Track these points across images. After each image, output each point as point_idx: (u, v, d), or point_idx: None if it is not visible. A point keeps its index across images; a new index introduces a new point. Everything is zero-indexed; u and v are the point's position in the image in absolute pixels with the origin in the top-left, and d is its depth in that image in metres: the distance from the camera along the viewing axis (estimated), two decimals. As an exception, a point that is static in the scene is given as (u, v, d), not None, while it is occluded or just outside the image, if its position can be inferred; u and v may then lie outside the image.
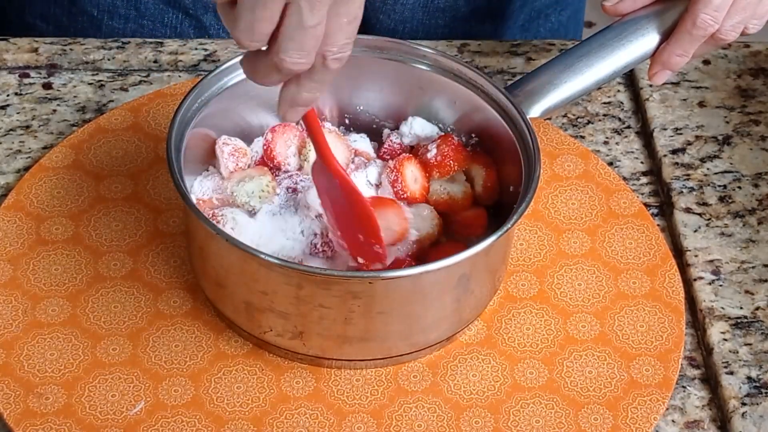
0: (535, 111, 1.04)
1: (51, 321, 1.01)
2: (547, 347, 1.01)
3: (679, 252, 1.09)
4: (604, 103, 1.20)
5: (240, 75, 1.03)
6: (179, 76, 1.19)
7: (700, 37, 1.04)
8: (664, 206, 1.13)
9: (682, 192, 1.12)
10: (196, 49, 1.21)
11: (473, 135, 1.07)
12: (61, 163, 1.10)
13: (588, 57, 1.06)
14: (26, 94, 1.16)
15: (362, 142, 1.07)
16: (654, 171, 1.15)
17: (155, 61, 1.20)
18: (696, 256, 1.08)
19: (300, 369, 0.99)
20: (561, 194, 1.11)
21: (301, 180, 1.03)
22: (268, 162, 1.04)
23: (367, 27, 1.25)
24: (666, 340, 1.02)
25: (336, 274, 0.95)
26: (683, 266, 1.08)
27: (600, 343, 1.02)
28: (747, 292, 1.06)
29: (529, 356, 1.01)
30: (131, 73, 1.19)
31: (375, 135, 1.09)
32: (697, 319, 1.05)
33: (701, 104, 1.20)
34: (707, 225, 1.10)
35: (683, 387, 1.01)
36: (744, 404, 0.99)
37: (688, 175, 1.14)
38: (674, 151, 1.16)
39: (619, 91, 1.21)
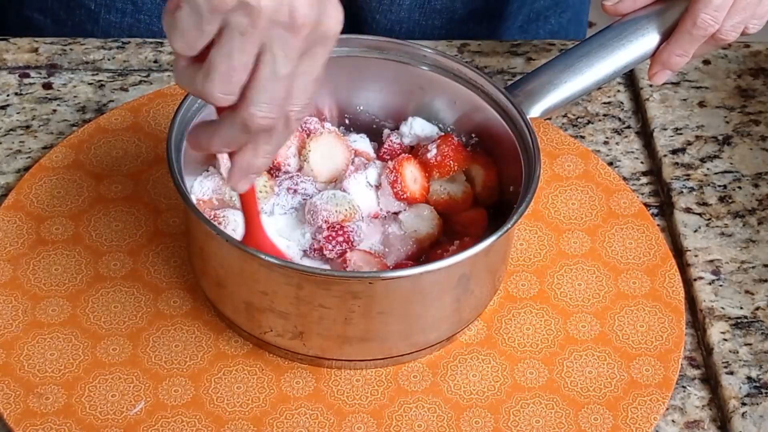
0: (535, 111, 1.04)
1: (51, 321, 1.01)
2: (547, 347, 1.01)
3: (679, 252, 1.09)
4: (604, 103, 1.20)
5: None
6: (179, 76, 1.19)
7: (701, 37, 1.04)
8: (664, 206, 1.13)
9: (682, 192, 1.12)
10: (196, 49, 1.21)
11: (473, 135, 1.07)
12: (61, 163, 1.10)
13: (588, 57, 1.06)
14: (26, 94, 1.16)
15: (362, 143, 1.07)
16: (654, 171, 1.15)
17: (155, 61, 1.20)
18: (696, 256, 1.08)
19: (300, 369, 0.99)
20: (561, 194, 1.11)
21: (301, 181, 1.03)
22: None
23: (362, 27, 1.25)
24: (666, 340, 1.02)
25: (336, 274, 0.95)
26: (683, 266, 1.08)
27: (600, 343, 1.02)
28: (747, 292, 1.06)
29: (529, 356, 1.01)
30: (131, 73, 1.19)
31: (375, 135, 1.09)
32: (697, 319, 1.05)
33: (701, 104, 1.20)
34: (707, 225, 1.10)
35: (683, 387, 1.01)
36: (744, 404, 0.99)
37: (688, 175, 1.14)
38: (674, 151, 1.16)
39: (619, 91, 1.21)
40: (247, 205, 0.95)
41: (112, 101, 1.16)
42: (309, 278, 0.93)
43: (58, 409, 0.96)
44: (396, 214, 1.04)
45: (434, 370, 1.00)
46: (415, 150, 1.07)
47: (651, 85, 1.20)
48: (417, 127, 1.07)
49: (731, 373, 1.00)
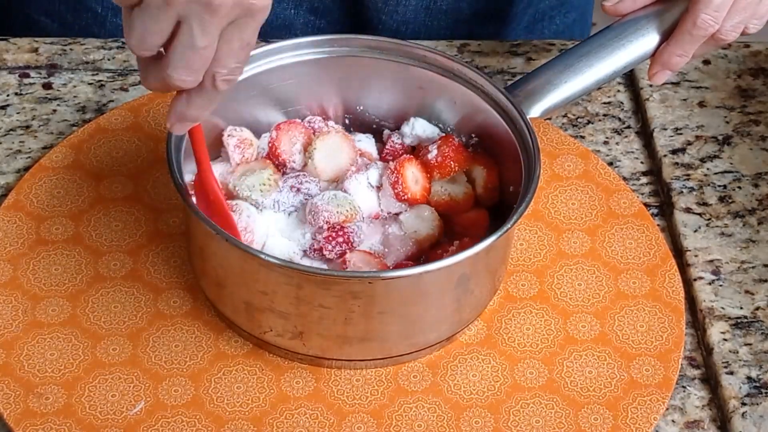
0: (535, 111, 1.04)
1: (51, 321, 1.01)
2: (547, 347, 1.01)
3: (679, 252, 1.09)
4: (604, 103, 1.20)
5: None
6: (179, 76, 1.19)
7: (701, 37, 1.04)
8: (664, 206, 1.13)
9: (682, 192, 1.12)
10: (196, 49, 1.21)
11: (473, 135, 1.06)
12: (61, 163, 1.10)
13: (588, 57, 1.06)
14: (26, 94, 1.16)
15: (366, 142, 1.07)
16: (654, 171, 1.15)
17: (155, 61, 1.20)
18: (696, 256, 1.08)
19: (300, 369, 0.99)
20: (561, 194, 1.11)
21: (305, 180, 1.03)
22: (273, 159, 1.04)
23: (369, 28, 1.25)
24: (666, 340, 1.02)
25: (336, 274, 0.95)
26: (683, 266, 1.08)
27: (600, 343, 1.02)
28: (747, 292, 1.06)
29: (529, 356, 1.01)
30: (131, 73, 1.19)
31: (375, 135, 1.09)
32: (697, 319, 1.05)
33: (701, 104, 1.20)
34: (707, 225, 1.10)
35: (683, 387, 1.01)
36: (744, 404, 0.99)
37: (688, 175, 1.14)
38: (674, 151, 1.16)
39: (619, 91, 1.21)
40: (195, 145, 0.97)
41: (112, 101, 1.16)
42: (309, 278, 0.93)
43: (58, 409, 0.96)
44: (397, 214, 1.03)
45: (434, 370, 1.00)
46: (416, 151, 1.07)
47: (651, 85, 1.20)
48: (418, 128, 1.07)
49: (731, 373, 1.00)
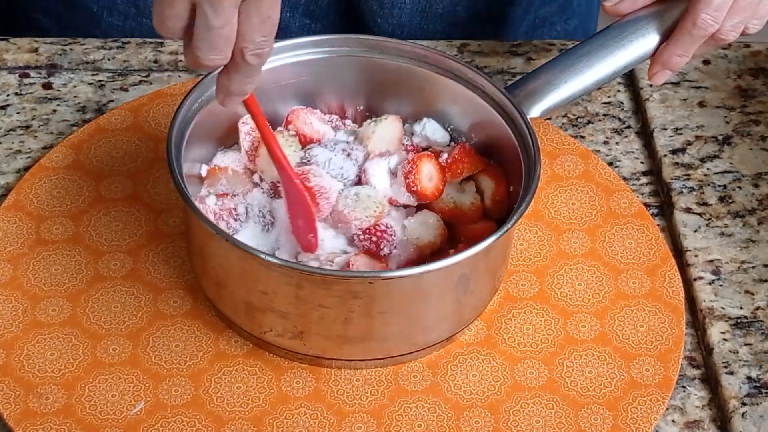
0: (535, 111, 1.04)
1: (51, 321, 1.01)
2: (547, 347, 1.01)
3: (679, 252, 1.09)
4: (604, 103, 1.20)
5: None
6: (179, 76, 1.19)
7: (701, 37, 1.04)
8: (664, 206, 1.13)
9: (682, 192, 1.12)
10: (196, 49, 1.21)
11: (473, 135, 1.06)
12: (61, 163, 1.10)
13: (588, 57, 1.06)
14: (26, 94, 1.16)
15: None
16: (654, 171, 1.15)
17: (155, 61, 1.20)
18: (696, 256, 1.08)
19: (300, 369, 0.99)
20: (561, 194, 1.11)
21: (356, 147, 1.03)
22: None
23: (364, 31, 1.25)
24: (666, 340, 1.02)
25: (336, 274, 0.95)
26: (683, 266, 1.08)
27: (600, 343, 1.02)
28: (747, 292, 1.06)
29: (529, 356, 1.01)
30: (131, 73, 1.19)
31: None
32: (697, 319, 1.05)
33: (701, 104, 1.20)
34: (707, 225, 1.10)
35: (683, 387, 1.01)
36: (744, 404, 0.99)
37: (688, 175, 1.14)
38: (674, 151, 1.16)
39: (619, 91, 1.21)
40: (254, 117, 0.97)
41: (112, 101, 1.16)
42: (309, 278, 0.93)
43: (58, 409, 0.96)
44: (405, 206, 1.03)
45: (434, 370, 1.00)
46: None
47: (651, 85, 1.20)
48: (429, 130, 1.06)
49: (731, 373, 1.00)
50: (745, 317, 1.04)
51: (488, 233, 0.95)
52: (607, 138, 1.17)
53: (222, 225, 0.99)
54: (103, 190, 1.09)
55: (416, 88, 1.07)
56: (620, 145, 1.17)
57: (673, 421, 0.99)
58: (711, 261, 1.08)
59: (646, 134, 1.18)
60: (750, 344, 1.02)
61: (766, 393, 1.00)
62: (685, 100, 1.20)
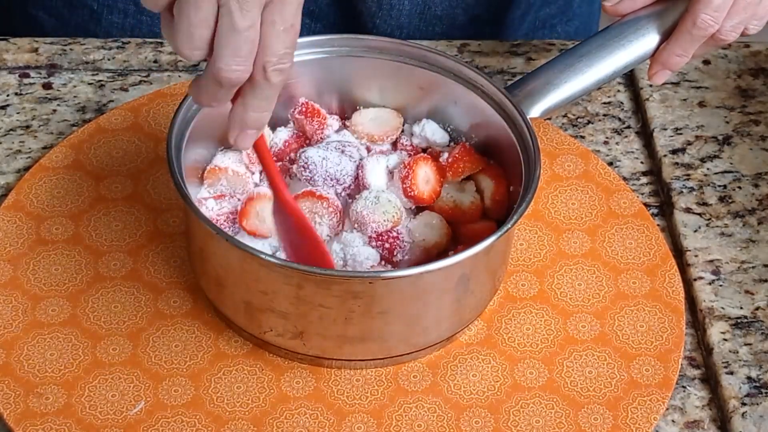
0: (535, 111, 1.04)
1: (51, 321, 1.01)
2: (547, 347, 1.01)
3: (679, 252, 1.09)
4: (604, 103, 1.20)
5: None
6: (179, 76, 1.19)
7: (701, 37, 1.04)
8: (664, 206, 1.13)
9: (682, 192, 1.12)
10: (196, 49, 1.21)
11: (473, 135, 1.06)
12: (61, 163, 1.10)
13: (588, 57, 1.06)
14: (26, 94, 1.16)
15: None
16: (654, 171, 1.15)
17: (155, 61, 1.20)
18: (696, 256, 1.08)
19: (300, 369, 0.99)
20: (561, 194, 1.11)
21: (348, 144, 1.03)
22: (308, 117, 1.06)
23: (363, 32, 1.25)
24: (666, 340, 1.02)
25: (336, 274, 0.95)
26: (683, 266, 1.08)
27: (600, 343, 1.02)
28: (747, 292, 1.06)
29: (529, 356, 1.01)
30: (131, 73, 1.19)
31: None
32: (697, 319, 1.05)
33: (701, 104, 1.20)
34: (707, 225, 1.10)
35: (683, 387, 1.01)
36: (744, 404, 0.99)
37: (688, 175, 1.14)
38: (674, 151, 1.16)
39: (619, 91, 1.21)
40: (262, 161, 0.95)
41: (112, 101, 1.16)
42: (309, 278, 0.93)
43: (58, 409, 0.96)
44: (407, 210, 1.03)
45: (434, 370, 1.00)
46: (428, 154, 1.06)
47: (651, 85, 1.20)
48: (428, 130, 1.06)
49: (731, 373, 1.00)
50: (745, 317, 1.04)
51: (488, 233, 0.95)
52: (607, 138, 1.17)
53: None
54: (103, 190, 1.09)
55: (416, 88, 1.07)
56: (620, 145, 1.17)
57: (673, 421, 0.99)
58: (711, 261, 1.08)
59: (646, 134, 1.18)
60: (750, 344, 1.02)
61: (766, 393, 1.00)
62: (685, 100, 1.20)
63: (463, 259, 0.93)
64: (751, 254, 1.08)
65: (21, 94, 1.16)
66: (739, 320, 1.04)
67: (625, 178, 1.14)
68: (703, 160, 1.15)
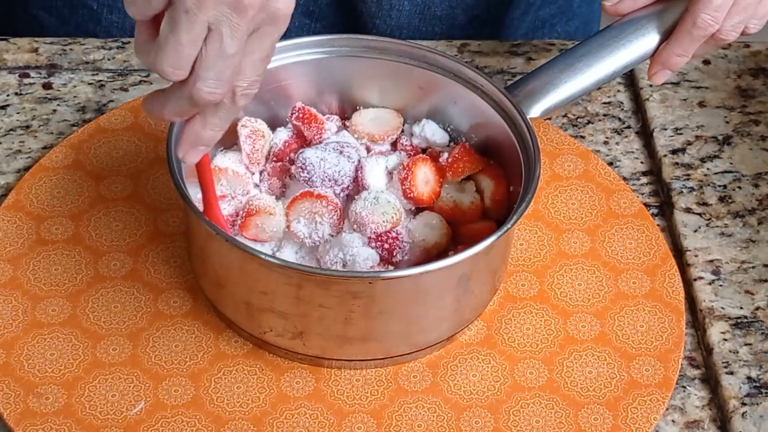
0: (535, 111, 1.04)
1: (51, 321, 1.01)
2: (547, 347, 1.01)
3: (679, 252, 1.09)
4: (604, 103, 1.20)
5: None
6: (179, 76, 1.19)
7: (701, 37, 1.04)
8: (664, 206, 1.13)
9: (682, 192, 1.12)
10: (196, 49, 1.21)
11: (473, 135, 1.06)
12: (61, 163, 1.10)
13: (588, 57, 1.06)
14: (26, 94, 1.16)
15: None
16: (654, 171, 1.15)
17: (155, 61, 1.20)
18: (696, 256, 1.08)
19: (300, 369, 0.99)
20: (561, 194, 1.11)
21: (347, 144, 1.03)
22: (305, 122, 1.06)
23: (362, 32, 1.25)
24: (666, 340, 1.02)
25: (336, 274, 0.95)
26: (683, 266, 1.08)
27: (600, 343, 1.02)
28: (747, 292, 1.06)
29: (529, 356, 1.01)
30: (131, 73, 1.19)
31: (375, 135, 1.09)
32: (697, 319, 1.05)
33: (701, 104, 1.20)
34: (707, 225, 1.10)
35: (683, 387, 1.01)
36: (744, 404, 0.99)
37: (688, 175, 1.14)
38: (674, 151, 1.16)
39: (619, 91, 1.21)
40: (202, 178, 0.97)
41: (112, 101, 1.16)
42: (309, 278, 0.93)
43: (58, 409, 0.96)
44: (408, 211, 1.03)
45: (434, 370, 1.00)
46: (428, 154, 1.06)
47: (651, 85, 1.20)
48: (428, 131, 1.06)
49: (731, 373, 1.00)
50: (745, 317, 1.04)
51: (488, 233, 0.95)
52: (607, 138, 1.17)
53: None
54: (103, 190, 1.09)
55: (416, 88, 1.07)
56: (620, 145, 1.17)
57: (673, 421, 0.99)
58: (711, 261, 1.08)
59: (646, 134, 1.18)
60: (750, 344, 1.02)
61: (766, 393, 1.00)
62: (685, 100, 1.20)
63: (463, 259, 0.93)
64: (751, 254, 1.08)
65: (21, 94, 1.16)
66: (739, 320, 1.04)
67: (625, 178, 1.14)
68: (703, 160, 1.15)
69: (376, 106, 1.08)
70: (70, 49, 1.20)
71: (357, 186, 1.02)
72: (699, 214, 1.11)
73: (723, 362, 1.01)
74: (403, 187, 1.02)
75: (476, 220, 1.03)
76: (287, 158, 1.05)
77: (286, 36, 1.04)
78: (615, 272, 1.06)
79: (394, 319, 0.96)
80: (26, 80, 1.17)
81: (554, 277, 1.06)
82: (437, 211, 1.02)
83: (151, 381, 0.98)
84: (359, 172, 1.02)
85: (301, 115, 1.05)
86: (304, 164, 1.01)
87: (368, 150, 1.06)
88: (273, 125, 1.06)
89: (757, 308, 1.05)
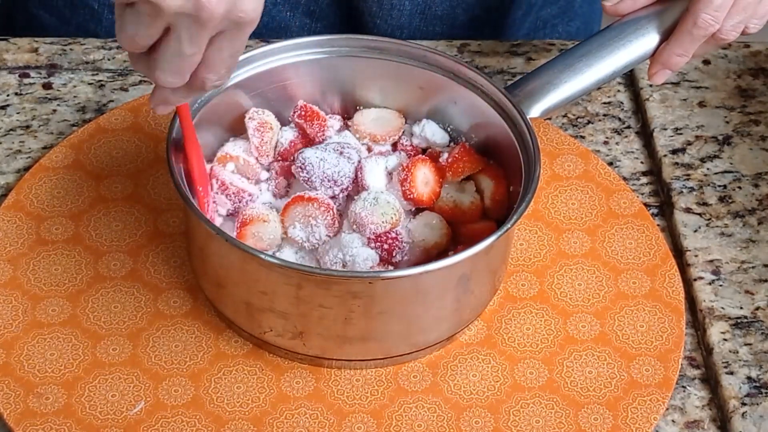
0: (535, 111, 1.04)
1: (51, 321, 1.01)
2: (547, 347, 1.01)
3: (679, 252, 1.09)
4: (604, 103, 1.20)
5: (240, 74, 1.03)
6: (179, 76, 1.19)
7: (701, 36, 1.04)
8: (664, 206, 1.13)
9: (682, 192, 1.12)
10: (196, 49, 1.21)
11: (473, 135, 1.06)
12: (61, 163, 1.10)
13: (588, 57, 1.06)
14: (26, 94, 1.16)
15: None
16: (654, 171, 1.15)
17: (155, 61, 1.20)
18: (696, 256, 1.08)
19: (300, 369, 0.99)
20: (561, 194, 1.11)
21: (347, 145, 1.04)
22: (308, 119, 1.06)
23: (364, 32, 1.25)
24: (666, 340, 1.02)
25: (336, 274, 0.95)
26: (683, 266, 1.08)
27: (600, 343, 1.02)
28: (747, 292, 1.06)
29: (529, 356, 1.01)
30: (131, 73, 1.19)
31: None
32: (697, 319, 1.05)
33: (701, 104, 1.20)
34: (707, 225, 1.10)
35: (683, 387, 1.01)
36: (744, 404, 0.99)
37: (688, 175, 1.14)
38: (674, 151, 1.16)
39: (619, 91, 1.21)
40: (183, 124, 0.99)
41: (112, 101, 1.16)
42: (309, 278, 0.93)
43: (58, 409, 0.96)
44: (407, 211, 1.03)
45: (434, 370, 1.00)
46: (428, 154, 1.06)
47: (651, 85, 1.20)
48: (428, 131, 1.06)
49: (731, 373, 1.00)
50: (745, 317, 1.04)
51: (488, 233, 0.95)
52: (607, 138, 1.17)
53: (228, 199, 1.01)
54: (103, 190, 1.09)
55: (416, 88, 1.07)
56: (620, 145, 1.17)
57: (673, 421, 0.99)
58: (711, 261, 1.08)
59: (646, 134, 1.18)
60: (750, 344, 1.02)
61: (766, 393, 1.00)
62: (685, 100, 1.20)
63: (462, 259, 0.93)
64: (751, 254, 1.08)
65: (21, 94, 1.16)
66: (739, 320, 1.04)
67: (625, 178, 1.14)
68: (703, 160, 1.15)
69: (377, 106, 1.08)
70: (70, 49, 1.20)
71: (357, 186, 1.02)
72: (699, 214, 1.11)
73: (723, 362, 1.01)
74: (403, 188, 1.02)
75: (476, 220, 1.03)
76: (291, 158, 1.05)
77: (286, 36, 1.05)
78: (615, 272, 1.06)
79: (394, 319, 0.96)
80: (26, 80, 1.17)
81: (554, 277, 1.06)
82: (437, 212, 1.02)
83: (151, 381, 0.98)
84: (359, 172, 1.02)
85: (303, 113, 1.05)
86: (303, 164, 1.01)
87: (369, 150, 1.06)
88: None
89: (757, 308, 1.05)
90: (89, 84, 1.18)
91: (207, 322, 1.01)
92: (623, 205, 1.11)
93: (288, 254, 1.00)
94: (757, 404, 0.99)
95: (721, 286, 1.06)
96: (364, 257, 0.98)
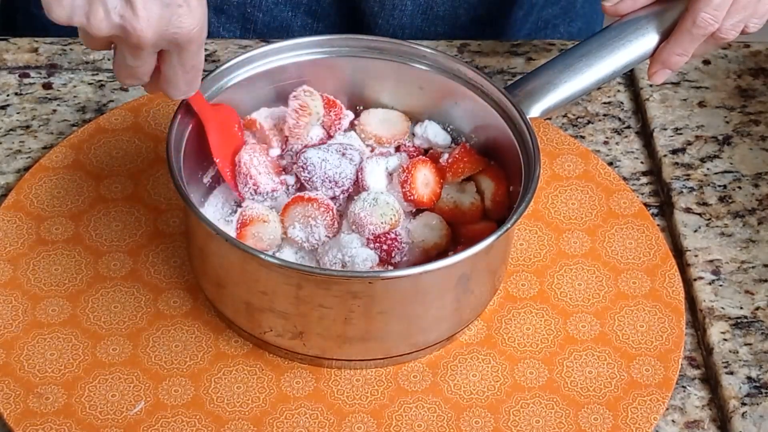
0: (535, 111, 1.04)
1: (51, 321, 1.01)
2: (547, 347, 1.01)
3: (679, 252, 1.09)
4: (604, 103, 1.20)
5: (240, 74, 1.03)
6: (179, 76, 1.19)
7: (700, 36, 1.04)
8: (664, 206, 1.13)
9: (682, 192, 1.12)
10: (196, 49, 1.21)
11: (473, 135, 1.06)
12: (61, 163, 1.10)
13: (588, 57, 1.06)
14: (26, 94, 1.16)
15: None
16: (654, 171, 1.15)
17: (155, 61, 1.20)
18: (696, 256, 1.08)
19: (300, 369, 0.99)
20: (561, 194, 1.11)
21: (350, 147, 1.04)
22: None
23: (365, 32, 1.25)
24: (666, 340, 1.02)
25: (336, 274, 0.95)
26: (683, 266, 1.08)
27: (600, 343, 1.02)
28: (747, 292, 1.06)
29: (529, 356, 1.01)
30: (131, 73, 1.19)
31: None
32: (697, 319, 1.05)
33: (701, 104, 1.20)
34: (707, 225, 1.10)
35: (683, 387, 1.01)
36: (744, 404, 0.99)
37: (688, 175, 1.14)
38: (674, 151, 1.16)
39: (619, 91, 1.21)
40: (201, 114, 1.00)
41: (112, 101, 1.16)
42: (309, 278, 0.93)
43: (58, 409, 0.96)
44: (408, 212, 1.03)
45: (434, 370, 1.00)
46: (429, 155, 1.06)
47: (651, 85, 1.20)
48: (430, 132, 1.06)
49: (731, 373, 1.00)
50: (745, 317, 1.04)
51: (488, 233, 0.95)
52: (607, 138, 1.17)
53: (255, 155, 1.02)
54: (103, 190, 1.09)
55: (416, 88, 1.07)
56: (620, 145, 1.17)
57: (673, 421, 0.99)
58: (711, 261, 1.08)
59: (646, 134, 1.18)
60: (750, 344, 1.02)
61: (766, 393, 1.00)
62: (685, 100, 1.20)
63: (462, 259, 0.93)
64: (751, 254, 1.08)
65: (21, 94, 1.16)
66: (739, 320, 1.04)
67: (625, 178, 1.14)
68: (703, 160, 1.15)
69: (377, 106, 1.08)
70: (70, 49, 1.20)
71: (357, 187, 1.02)
72: (699, 214, 1.11)
73: (723, 362, 1.01)
74: (404, 189, 1.02)
75: (477, 220, 1.03)
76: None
77: (288, 35, 1.05)
78: (615, 272, 1.06)
79: (394, 319, 0.96)
80: (26, 80, 1.17)
81: (554, 277, 1.06)
82: (437, 212, 1.02)
83: (151, 381, 0.98)
84: (359, 173, 1.02)
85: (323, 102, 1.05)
86: (305, 164, 1.01)
87: (372, 150, 1.06)
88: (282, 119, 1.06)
89: (757, 308, 1.05)
90: (89, 84, 1.18)
91: (207, 322, 1.01)
92: (623, 205, 1.11)
93: (288, 254, 1.00)
94: (757, 404, 0.99)
95: (721, 286, 1.06)
96: (364, 257, 0.98)
